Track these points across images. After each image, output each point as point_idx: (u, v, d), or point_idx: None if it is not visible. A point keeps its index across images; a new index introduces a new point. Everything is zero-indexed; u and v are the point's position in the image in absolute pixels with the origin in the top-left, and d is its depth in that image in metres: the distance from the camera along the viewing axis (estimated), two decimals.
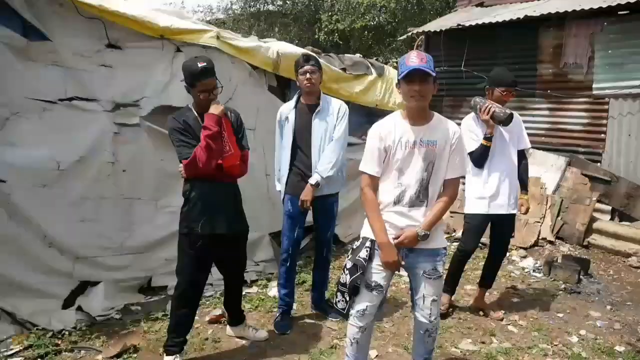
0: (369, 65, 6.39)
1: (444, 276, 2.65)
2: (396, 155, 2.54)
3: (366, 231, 2.64)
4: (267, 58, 4.73)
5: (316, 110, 3.66)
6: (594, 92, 6.02)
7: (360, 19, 10.73)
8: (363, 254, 2.59)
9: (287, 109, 3.78)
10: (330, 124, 3.67)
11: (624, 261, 5.43)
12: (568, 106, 6.32)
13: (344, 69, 5.89)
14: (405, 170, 2.55)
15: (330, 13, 11.51)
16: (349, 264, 2.62)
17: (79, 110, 3.72)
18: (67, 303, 3.69)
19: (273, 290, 4.41)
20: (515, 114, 3.88)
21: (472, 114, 3.95)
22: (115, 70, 3.84)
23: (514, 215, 4.00)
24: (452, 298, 4.23)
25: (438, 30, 7.18)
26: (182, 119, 2.98)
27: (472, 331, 3.87)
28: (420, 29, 7.68)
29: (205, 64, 2.89)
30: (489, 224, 4.01)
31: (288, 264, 3.81)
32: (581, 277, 4.99)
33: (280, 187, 3.87)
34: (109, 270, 3.92)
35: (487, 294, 4.32)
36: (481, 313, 4.13)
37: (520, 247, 5.92)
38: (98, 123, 3.79)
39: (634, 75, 5.69)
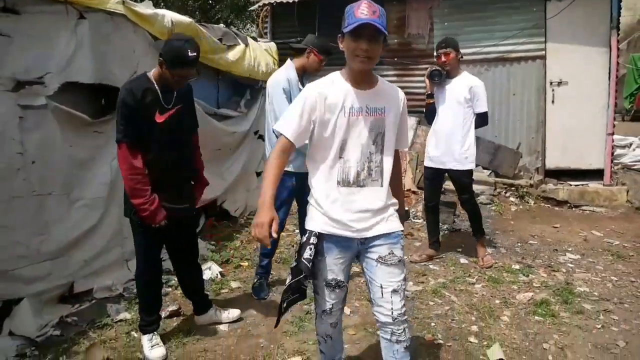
0: (235, 35, 6.27)
1: (404, 262, 2.25)
2: (338, 123, 2.11)
3: (311, 223, 2.22)
4: (164, 27, 4.30)
5: None
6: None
7: None
8: (307, 253, 2.17)
9: (295, 78, 3.72)
10: None
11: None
12: (413, 72, 7.18)
13: (220, 40, 5.67)
14: (349, 142, 2.13)
15: None
16: (293, 264, 2.24)
17: None
18: None
19: (205, 273, 4.15)
20: (477, 80, 4.31)
21: None
22: (13, 41, 3.11)
23: (463, 170, 4.33)
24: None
25: (290, 1, 7.31)
26: (140, 93, 2.74)
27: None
28: (267, 0, 7.71)
29: (195, 53, 2.71)
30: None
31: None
32: (454, 217, 5.88)
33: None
34: (30, 282, 3.26)
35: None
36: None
37: None
38: (1, 106, 3.06)
39: (466, 44, 6.69)
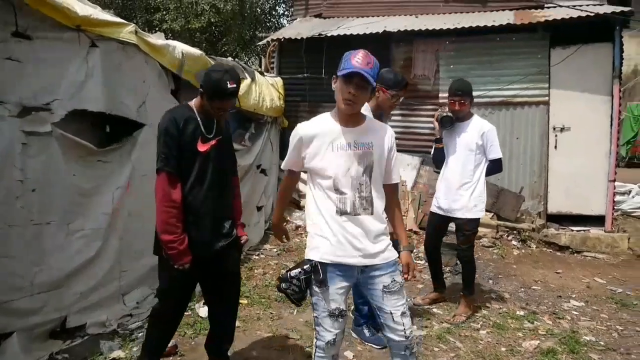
0: (243, 69, 6.29)
1: (403, 285, 2.44)
2: (328, 159, 2.33)
3: (313, 253, 2.39)
4: (174, 58, 4.31)
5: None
6: (440, 100, 6.93)
7: (196, 20, 10.27)
8: (295, 272, 2.37)
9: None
10: None
11: (477, 242, 6.45)
12: (419, 112, 7.20)
13: None
14: (341, 176, 2.32)
15: (163, 12, 10.73)
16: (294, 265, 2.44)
17: None
18: None
19: (202, 310, 4.07)
20: (487, 124, 4.11)
21: None
22: (24, 66, 3.06)
23: (470, 219, 4.09)
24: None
25: (298, 37, 7.38)
26: (183, 122, 2.67)
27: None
28: (276, 35, 7.78)
29: (235, 85, 2.62)
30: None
31: None
32: (457, 259, 5.78)
33: None
34: (23, 316, 3.12)
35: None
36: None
37: None
38: (5, 131, 2.98)
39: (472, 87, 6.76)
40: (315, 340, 2.43)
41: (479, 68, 6.80)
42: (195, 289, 3.03)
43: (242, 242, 3.03)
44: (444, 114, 4.09)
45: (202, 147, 2.73)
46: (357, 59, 2.22)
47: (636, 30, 16.49)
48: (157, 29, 10.31)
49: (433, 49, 7.05)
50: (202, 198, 2.75)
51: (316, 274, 2.34)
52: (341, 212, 2.32)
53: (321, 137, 2.34)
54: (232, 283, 3.05)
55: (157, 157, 2.68)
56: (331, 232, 2.34)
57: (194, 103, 2.78)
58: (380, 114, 3.64)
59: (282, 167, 2.54)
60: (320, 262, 2.34)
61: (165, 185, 2.64)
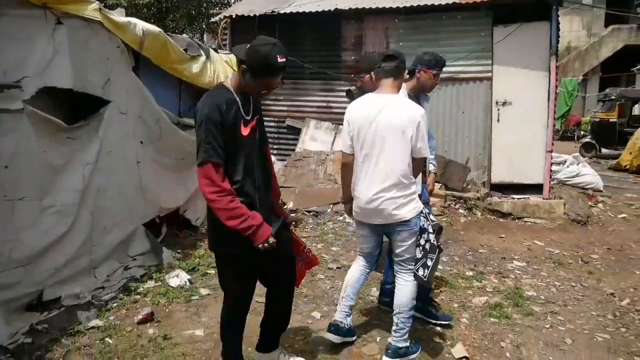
0: (198, 46, 6.32)
1: None
2: None
3: (419, 206, 3.12)
4: (135, 36, 4.35)
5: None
6: None
7: None
8: (431, 216, 3.22)
9: None
10: None
11: None
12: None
13: (185, 50, 5.72)
14: None
15: None
16: (430, 230, 3.11)
17: None
18: None
19: (172, 281, 4.23)
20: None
21: None
22: None
23: None
24: None
25: (251, 14, 7.44)
26: (225, 106, 2.40)
27: None
28: (228, 12, 7.79)
29: (285, 59, 2.39)
30: None
31: None
32: None
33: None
34: (1, 289, 3.20)
35: None
36: None
37: None
38: None
39: None
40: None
41: (426, 45, 7.04)
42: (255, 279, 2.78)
43: (290, 220, 2.91)
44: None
45: (245, 131, 2.51)
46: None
47: (569, 9, 17.45)
48: (103, 4, 10.02)
49: (383, 27, 7.31)
50: (254, 182, 2.57)
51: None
52: None
53: None
54: (288, 268, 2.85)
55: (199, 147, 2.38)
56: None
57: (231, 83, 2.53)
58: (418, 96, 3.75)
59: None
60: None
61: (213, 175, 2.36)
